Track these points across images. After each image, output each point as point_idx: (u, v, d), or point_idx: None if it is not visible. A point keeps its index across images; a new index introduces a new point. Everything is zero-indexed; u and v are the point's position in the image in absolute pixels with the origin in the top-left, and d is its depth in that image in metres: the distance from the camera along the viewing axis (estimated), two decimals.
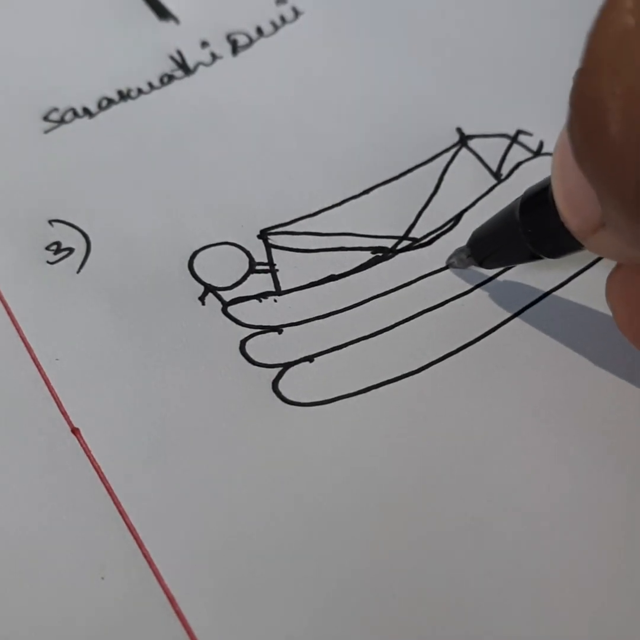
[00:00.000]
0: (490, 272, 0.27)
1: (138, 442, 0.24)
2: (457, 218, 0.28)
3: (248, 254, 0.28)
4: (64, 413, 0.25)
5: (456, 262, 0.26)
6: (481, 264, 0.26)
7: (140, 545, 0.22)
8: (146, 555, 0.22)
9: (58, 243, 0.28)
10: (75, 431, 0.24)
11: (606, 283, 0.23)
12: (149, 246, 0.28)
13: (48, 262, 0.28)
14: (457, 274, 0.27)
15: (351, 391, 0.25)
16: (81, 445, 0.24)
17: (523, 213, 0.23)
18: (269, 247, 0.28)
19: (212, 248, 0.28)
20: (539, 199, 0.22)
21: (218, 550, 0.22)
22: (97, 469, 0.24)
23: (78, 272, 0.28)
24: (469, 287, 0.27)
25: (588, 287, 0.26)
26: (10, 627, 0.21)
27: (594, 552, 0.22)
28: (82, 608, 0.22)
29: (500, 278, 0.27)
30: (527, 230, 0.23)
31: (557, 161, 0.20)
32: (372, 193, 0.29)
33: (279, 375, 0.25)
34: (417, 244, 0.28)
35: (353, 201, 0.29)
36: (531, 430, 0.24)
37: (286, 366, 0.25)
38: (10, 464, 0.24)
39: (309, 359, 0.25)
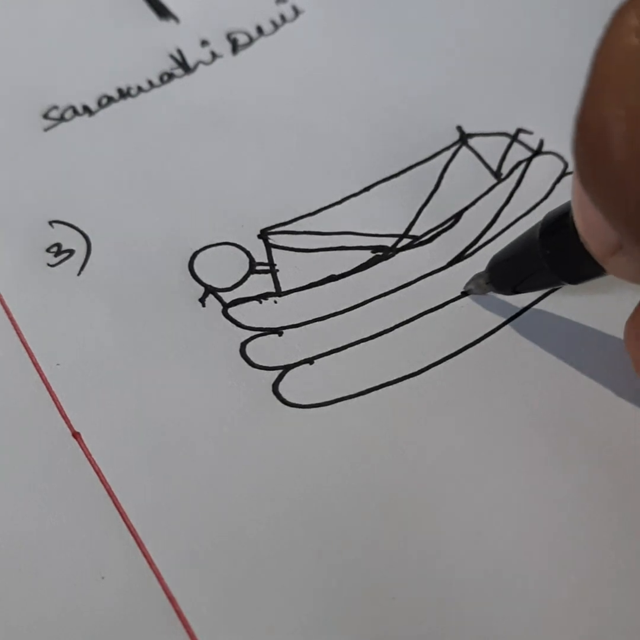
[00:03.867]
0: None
1: (138, 445, 0.24)
2: (457, 216, 0.28)
3: (248, 254, 0.28)
4: (64, 417, 0.25)
5: (474, 288, 0.26)
6: (500, 290, 0.25)
7: (140, 545, 0.22)
8: (146, 556, 0.22)
9: (59, 245, 0.28)
10: (75, 435, 0.24)
11: (625, 328, 0.23)
12: (149, 246, 0.28)
13: (49, 264, 0.28)
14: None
15: (351, 393, 0.25)
16: (82, 449, 0.24)
17: (543, 237, 0.23)
18: (269, 246, 0.28)
19: (212, 248, 0.28)
20: (559, 224, 0.22)
21: (217, 550, 0.22)
22: (98, 472, 0.24)
23: (79, 274, 0.28)
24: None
25: (589, 289, 0.26)
26: (11, 627, 0.22)
27: (591, 556, 0.22)
28: (83, 608, 0.22)
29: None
30: (548, 255, 0.23)
31: (576, 184, 0.20)
32: (372, 191, 0.29)
33: (279, 378, 0.25)
34: (417, 242, 0.28)
35: (353, 199, 0.29)
36: (530, 433, 0.24)
37: (286, 368, 0.25)
38: (11, 468, 0.24)
39: (309, 360, 0.25)
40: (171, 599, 0.22)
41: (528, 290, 0.25)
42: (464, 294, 0.26)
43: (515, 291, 0.25)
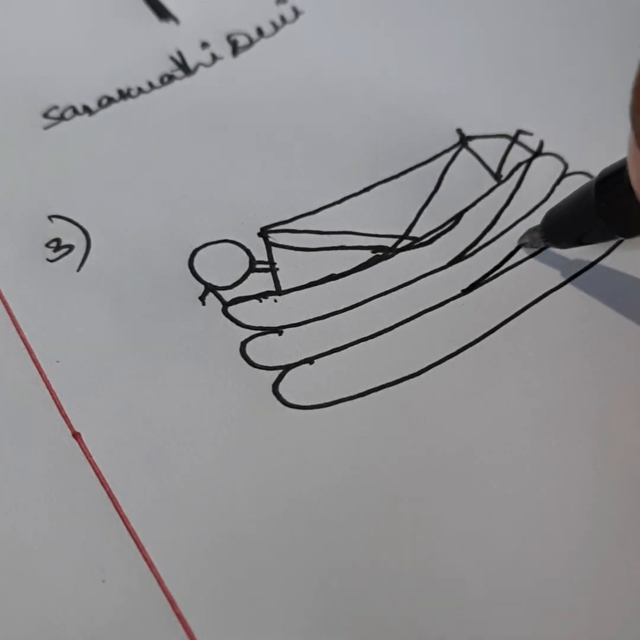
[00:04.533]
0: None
1: (138, 445, 0.24)
2: (457, 217, 0.28)
3: (248, 252, 0.28)
4: (65, 417, 0.25)
5: (529, 241, 0.27)
6: (554, 243, 0.26)
7: (141, 548, 0.22)
8: (146, 558, 0.22)
9: (58, 240, 0.28)
10: (76, 436, 0.24)
11: None
12: (149, 244, 0.28)
13: (48, 259, 0.28)
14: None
15: (351, 394, 0.25)
16: (82, 449, 0.24)
17: (598, 191, 0.24)
18: (269, 245, 0.28)
19: (213, 246, 0.28)
20: (614, 179, 0.23)
21: (218, 552, 0.22)
22: (98, 473, 0.24)
23: (78, 270, 0.28)
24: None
25: (588, 288, 0.26)
26: (11, 630, 0.21)
27: (594, 554, 0.22)
28: (83, 611, 0.22)
29: (500, 277, 0.27)
30: (603, 209, 0.24)
31: (633, 143, 0.21)
32: (372, 191, 0.29)
33: (279, 378, 0.25)
34: (417, 243, 0.28)
35: (353, 199, 0.29)
36: (532, 432, 0.24)
37: (286, 368, 0.25)
38: (11, 468, 0.24)
39: (309, 360, 0.25)
40: (171, 602, 0.22)
41: (582, 244, 0.26)
42: (517, 248, 0.27)
43: (570, 244, 0.26)
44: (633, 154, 0.21)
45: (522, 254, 0.27)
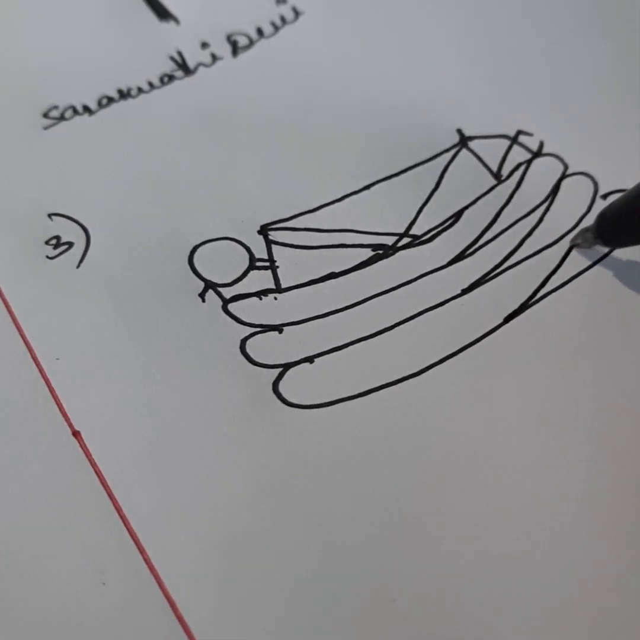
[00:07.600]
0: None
1: (138, 444, 0.24)
2: (457, 215, 0.28)
3: (248, 249, 0.28)
4: (64, 415, 0.25)
5: (582, 241, 0.26)
6: (608, 243, 0.26)
7: (141, 549, 0.22)
8: (147, 560, 0.22)
9: (58, 237, 0.28)
10: (76, 434, 0.24)
11: None
12: (149, 241, 0.28)
13: (48, 256, 0.28)
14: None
15: (352, 393, 0.25)
16: (82, 448, 0.24)
17: None
18: (269, 243, 0.28)
19: (212, 243, 0.28)
20: None
21: (218, 554, 0.22)
22: (98, 472, 0.24)
23: (78, 267, 0.28)
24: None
25: (588, 288, 0.26)
26: (11, 633, 0.21)
27: (595, 555, 0.22)
28: (83, 613, 0.21)
29: (501, 277, 0.27)
30: None
31: None
32: (372, 189, 0.29)
33: (280, 376, 0.25)
34: (417, 241, 0.28)
35: (353, 197, 0.29)
36: (532, 432, 0.24)
37: (286, 367, 0.25)
38: (10, 468, 0.24)
39: (310, 359, 0.25)
40: (172, 604, 0.21)
41: (636, 243, 0.25)
42: (569, 249, 0.27)
43: (624, 243, 0.26)
44: None
45: (521, 253, 0.27)
